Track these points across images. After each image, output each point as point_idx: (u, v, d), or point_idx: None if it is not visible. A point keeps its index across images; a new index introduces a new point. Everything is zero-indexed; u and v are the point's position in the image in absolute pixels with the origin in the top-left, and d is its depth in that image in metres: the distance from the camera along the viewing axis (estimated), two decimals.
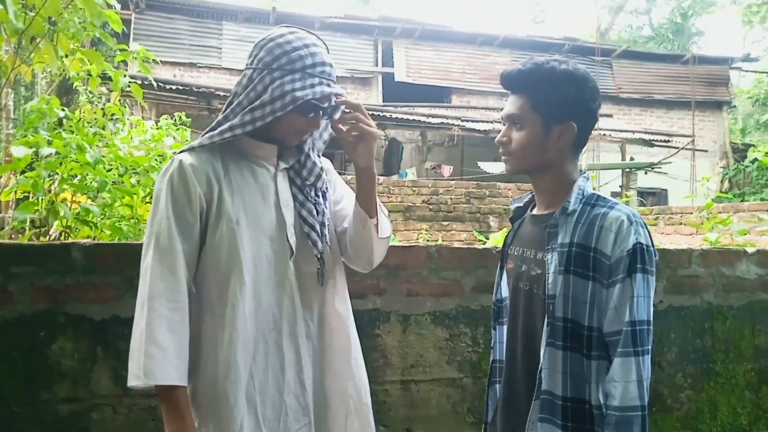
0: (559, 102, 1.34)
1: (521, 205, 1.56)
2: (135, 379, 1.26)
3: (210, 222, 1.36)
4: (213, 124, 1.43)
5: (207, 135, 1.42)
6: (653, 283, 1.28)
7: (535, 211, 1.48)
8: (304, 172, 1.48)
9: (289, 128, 1.41)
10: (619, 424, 1.21)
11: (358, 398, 1.51)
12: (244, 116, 1.35)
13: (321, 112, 1.41)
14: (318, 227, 1.46)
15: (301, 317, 1.44)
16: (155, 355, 1.24)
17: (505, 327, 1.52)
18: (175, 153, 1.45)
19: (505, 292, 1.54)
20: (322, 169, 1.51)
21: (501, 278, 1.57)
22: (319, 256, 1.45)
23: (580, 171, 1.43)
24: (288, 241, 1.42)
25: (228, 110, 1.41)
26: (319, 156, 1.54)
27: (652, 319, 1.26)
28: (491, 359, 1.58)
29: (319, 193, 1.51)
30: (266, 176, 1.44)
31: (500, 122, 1.45)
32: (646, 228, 1.30)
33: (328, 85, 1.38)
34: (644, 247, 1.26)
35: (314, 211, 1.46)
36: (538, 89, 1.35)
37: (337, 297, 1.53)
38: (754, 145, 14.12)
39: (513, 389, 1.45)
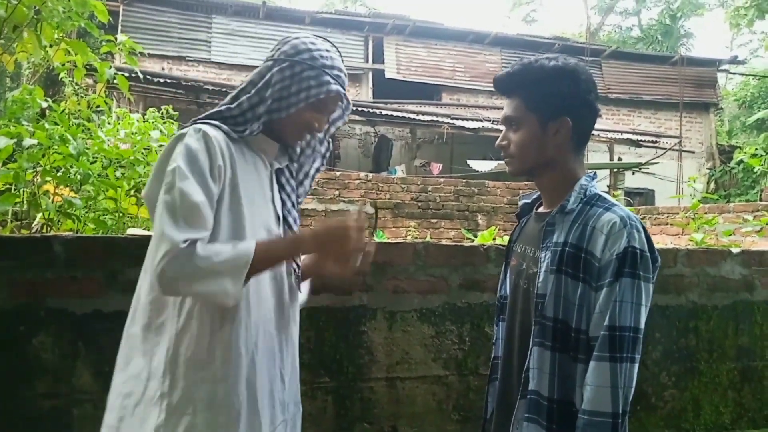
0: (551, 98, 1.33)
1: (528, 201, 1.54)
2: (238, 281, 1.22)
3: (222, 202, 1.29)
4: (222, 107, 1.40)
5: (224, 122, 1.37)
6: (646, 289, 1.23)
7: (540, 209, 1.47)
8: (300, 175, 1.54)
9: (298, 124, 1.41)
10: (586, 429, 1.18)
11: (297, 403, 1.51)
12: (263, 107, 1.36)
13: (328, 117, 1.47)
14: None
15: (288, 314, 1.44)
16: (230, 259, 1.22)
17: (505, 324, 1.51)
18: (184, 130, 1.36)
19: (508, 288, 1.52)
20: (306, 175, 1.57)
21: (505, 275, 1.55)
22: (297, 262, 1.47)
23: (591, 173, 1.40)
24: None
25: (243, 97, 1.39)
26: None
27: (641, 327, 1.21)
28: (492, 356, 1.57)
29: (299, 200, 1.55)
30: (264, 171, 1.44)
31: (489, 120, 1.44)
32: (645, 232, 1.26)
33: (342, 88, 1.42)
34: (637, 251, 1.22)
35: (297, 219, 1.50)
36: (530, 89, 1.34)
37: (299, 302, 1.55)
38: (740, 147, 14.32)
39: (508, 387, 1.43)
